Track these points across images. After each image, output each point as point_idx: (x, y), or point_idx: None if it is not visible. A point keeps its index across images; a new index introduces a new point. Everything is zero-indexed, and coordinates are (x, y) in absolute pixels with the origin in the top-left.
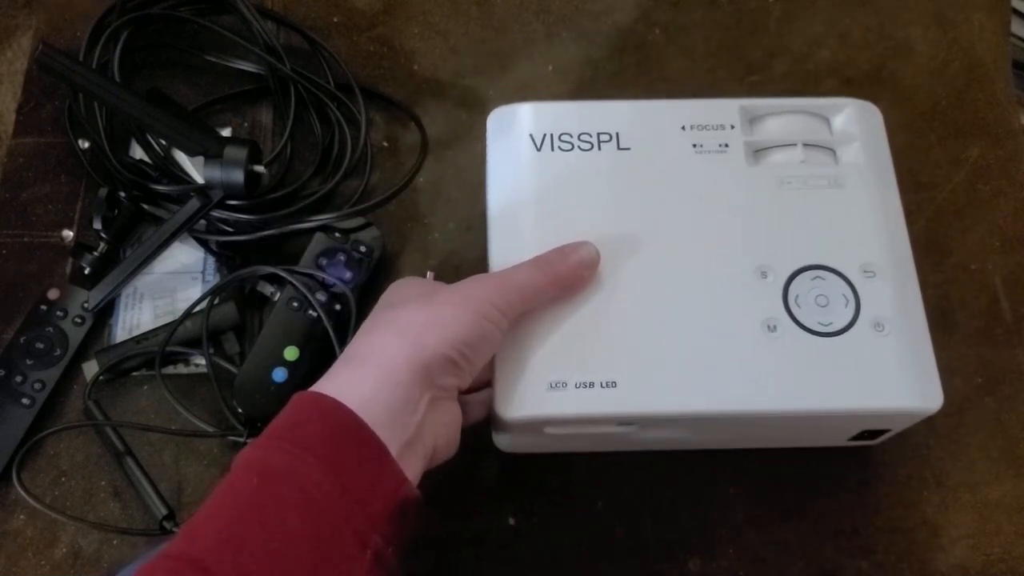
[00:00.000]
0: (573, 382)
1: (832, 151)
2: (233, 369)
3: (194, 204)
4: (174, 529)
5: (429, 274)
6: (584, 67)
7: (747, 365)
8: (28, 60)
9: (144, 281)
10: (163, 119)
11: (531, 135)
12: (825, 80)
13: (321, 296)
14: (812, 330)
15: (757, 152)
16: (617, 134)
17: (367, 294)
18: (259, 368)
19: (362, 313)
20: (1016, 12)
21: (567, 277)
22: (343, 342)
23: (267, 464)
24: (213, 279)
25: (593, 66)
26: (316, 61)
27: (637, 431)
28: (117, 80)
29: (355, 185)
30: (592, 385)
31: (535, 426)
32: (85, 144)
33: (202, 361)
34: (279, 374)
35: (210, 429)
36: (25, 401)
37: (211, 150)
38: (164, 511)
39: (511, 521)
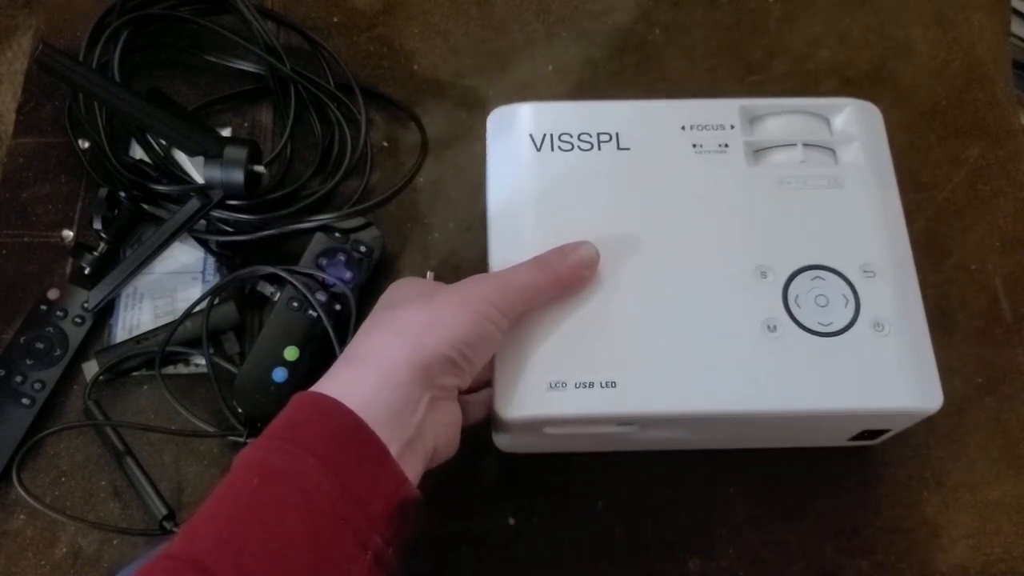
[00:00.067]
0: (573, 382)
1: (832, 151)
2: (233, 369)
3: (194, 204)
4: (174, 529)
5: (429, 274)
6: (584, 67)
7: (747, 365)
8: (28, 60)
9: (144, 281)
10: (163, 119)
11: (531, 135)
12: (825, 80)
13: (321, 296)
14: (812, 330)
15: (757, 152)
16: (617, 134)
17: (367, 294)
18: (259, 368)
19: (362, 313)
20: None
21: (567, 277)
22: (343, 342)
23: (267, 464)
24: (213, 279)
25: (593, 66)
26: (316, 61)
27: (637, 431)
28: (117, 80)
29: (355, 185)
30: (592, 385)
31: (535, 426)
32: (85, 144)
33: (202, 361)
34: (279, 374)
35: (210, 429)
36: (25, 401)
37: (211, 150)
38: (164, 511)
39: (511, 521)
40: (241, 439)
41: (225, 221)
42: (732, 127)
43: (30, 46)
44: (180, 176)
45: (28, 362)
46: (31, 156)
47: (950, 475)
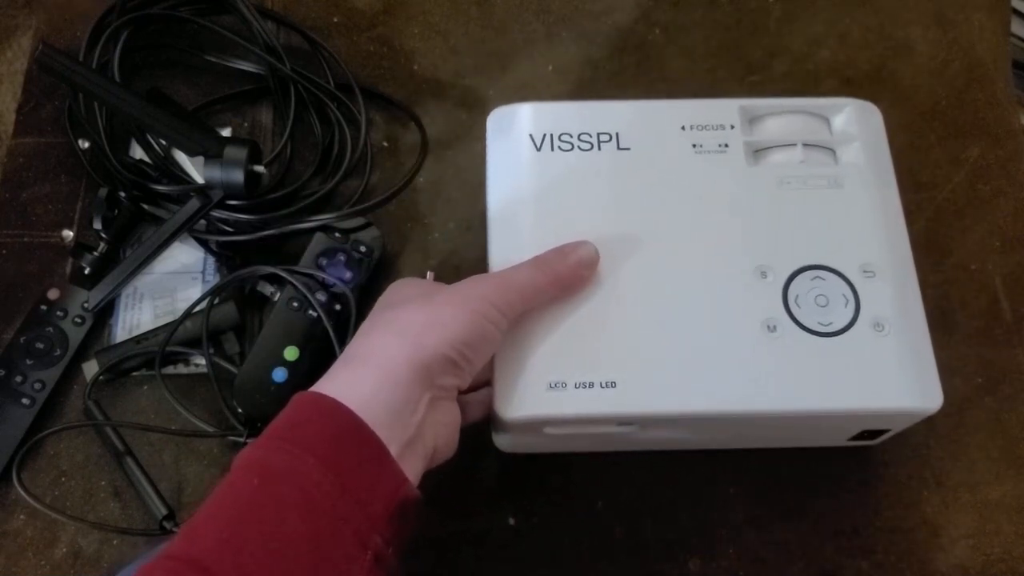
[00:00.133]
0: (572, 382)
1: (832, 151)
2: (233, 369)
3: (194, 204)
4: (174, 529)
5: (429, 274)
6: (584, 67)
7: (747, 365)
8: (28, 60)
9: (144, 281)
10: (163, 119)
11: (531, 135)
12: (825, 80)
13: (321, 296)
14: (812, 330)
15: (757, 152)
16: (617, 134)
17: (367, 294)
18: (259, 368)
19: (362, 313)
20: (1016, 12)
21: (567, 277)
22: (343, 342)
23: (267, 464)
24: (213, 279)
25: (593, 66)
26: (316, 61)
27: (637, 431)
28: (117, 80)
29: (355, 185)
30: (591, 385)
31: (535, 426)
32: (85, 144)
33: (202, 361)
34: (279, 374)
35: (210, 429)
36: (25, 401)
37: (211, 150)
38: (164, 511)
39: (511, 521)
40: (241, 439)
41: (225, 221)
42: (732, 127)
43: (30, 46)
44: (180, 176)
45: (28, 362)
46: (31, 156)
47: (950, 475)
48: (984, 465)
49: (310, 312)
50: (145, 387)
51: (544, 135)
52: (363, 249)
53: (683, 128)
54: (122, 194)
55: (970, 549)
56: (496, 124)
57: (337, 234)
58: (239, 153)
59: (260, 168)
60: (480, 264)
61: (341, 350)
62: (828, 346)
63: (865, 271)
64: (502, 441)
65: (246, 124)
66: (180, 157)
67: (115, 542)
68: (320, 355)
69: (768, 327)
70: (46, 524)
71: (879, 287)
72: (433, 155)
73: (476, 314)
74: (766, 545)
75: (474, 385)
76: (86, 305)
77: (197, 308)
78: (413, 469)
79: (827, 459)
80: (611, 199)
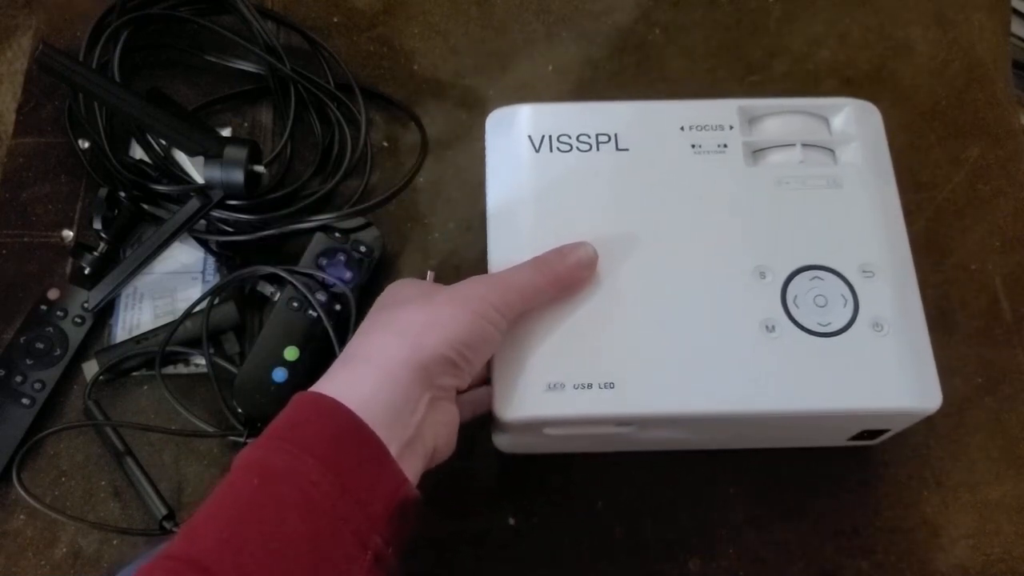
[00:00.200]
0: (571, 383)
1: (831, 151)
2: (233, 369)
3: (194, 204)
4: (174, 529)
5: (430, 274)
6: (584, 67)
7: (745, 365)
8: (28, 60)
9: (144, 281)
10: (163, 119)
11: (530, 136)
12: (825, 80)
13: (321, 296)
14: (810, 330)
15: (756, 152)
16: (616, 135)
17: (367, 294)
18: (259, 368)
19: (362, 313)
20: (1016, 12)
21: (565, 278)
22: (343, 342)
23: (267, 464)
24: (213, 279)
25: (593, 66)
26: (316, 61)
27: (636, 431)
28: (117, 80)
29: (355, 185)
30: (590, 386)
31: (534, 427)
32: (85, 144)
33: (202, 361)
34: (279, 374)
35: (210, 429)
36: (25, 401)
37: (211, 150)
38: (164, 511)
39: (511, 521)
40: (241, 439)
41: (225, 221)
42: (731, 127)
43: (30, 46)
44: (180, 176)
45: (28, 362)
46: (31, 156)
47: (950, 475)
48: (984, 465)
49: (310, 312)
50: (145, 387)
51: (543, 136)
52: (363, 249)
53: (682, 129)
54: (122, 194)
55: (970, 549)
56: (495, 125)
57: (337, 234)
58: (239, 153)
59: (260, 168)
60: (480, 264)
61: (341, 350)
62: (827, 346)
63: (864, 271)
64: (502, 441)
65: (246, 124)
66: (180, 157)
67: (115, 542)
68: (320, 355)
69: (767, 327)
70: (46, 524)
71: (878, 287)
72: (433, 155)
73: (475, 315)
74: (766, 545)
75: (470, 384)
76: (86, 305)
77: (197, 308)
78: (412, 469)
79: (827, 459)
80: (610, 200)
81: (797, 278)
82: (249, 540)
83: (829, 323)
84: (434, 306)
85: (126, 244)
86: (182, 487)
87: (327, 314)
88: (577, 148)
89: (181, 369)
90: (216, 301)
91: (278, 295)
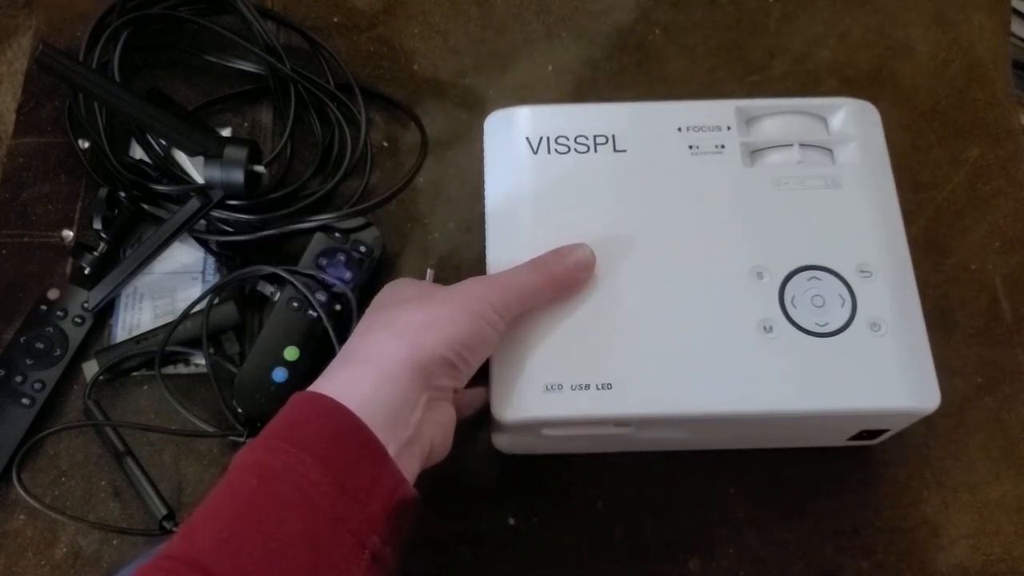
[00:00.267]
0: (569, 384)
1: (829, 151)
2: (233, 369)
3: (194, 204)
4: (174, 529)
5: (429, 272)
6: (584, 67)
7: (743, 366)
8: (28, 60)
9: (144, 281)
10: (163, 119)
11: (528, 138)
12: (825, 80)
13: (321, 296)
14: (808, 330)
15: (754, 153)
16: (613, 136)
17: (367, 294)
18: (259, 368)
19: (362, 313)
20: (1016, 12)
21: (564, 279)
22: (343, 342)
23: (265, 464)
24: (213, 279)
25: (593, 66)
26: (316, 61)
27: (634, 432)
28: (117, 80)
29: (355, 185)
30: (588, 387)
31: (532, 428)
32: (85, 144)
33: (202, 361)
34: (279, 374)
35: (210, 429)
36: (25, 401)
37: (211, 150)
38: (164, 511)
39: (511, 521)
40: (241, 439)
41: (225, 221)
42: (728, 128)
43: (30, 46)
44: (180, 176)
45: (28, 362)
46: (31, 156)
47: (950, 475)
48: (984, 465)
49: (310, 312)
50: (145, 387)
51: (541, 138)
52: (363, 249)
53: (679, 129)
54: (122, 194)
55: (970, 549)
56: (493, 127)
57: (337, 234)
58: (239, 153)
59: (260, 168)
60: (480, 264)
61: None
62: (825, 346)
63: (862, 271)
64: (501, 441)
65: (246, 124)
66: (180, 157)
67: (115, 542)
68: (320, 355)
69: (764, 328)
70: (46, 524)
71: (876, 287)
72: (433, 155)
73: (474, 315)
74: (766, 545)
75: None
76: (86, 305)
77: (197, 308)
78: (410, 469)
79: (827, 459)
80: (608, 201)
81: (795, 278)
82: (248, 540)
83: (827, 323)
84: (432, 306)
85: (126, 244)
86: (182, 487)
87: (327, 314)
88: (575, 149)
89: (181, 369)
90: (216, 301)
91: (278, 295)
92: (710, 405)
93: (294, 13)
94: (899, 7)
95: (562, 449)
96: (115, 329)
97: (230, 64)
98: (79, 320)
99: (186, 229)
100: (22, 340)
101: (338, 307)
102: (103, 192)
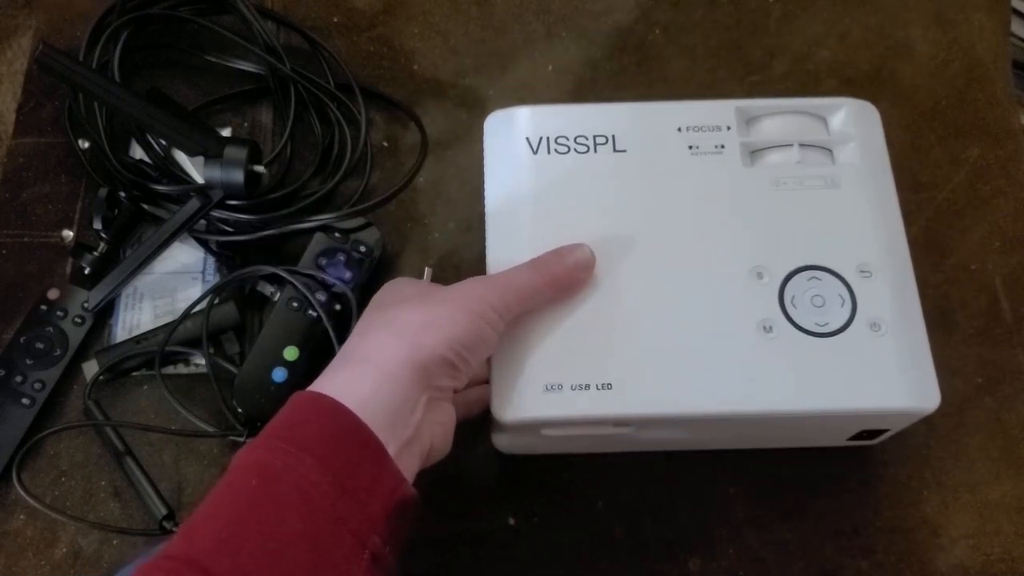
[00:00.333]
0: (569, 384)
1: (829, 151)
2: (233, 369)
3: (194, 204)
4: (174, 529)
5: (427, 271)
6: (584, 67)
7: (743, 366)
8: (28, 60)
9: (144, 281)
10: (163, 119)
11: (527, 138)
12: (825, 80)
13: (321, 296)
14: (808, 330)
15: (753, 153)
16: (613, 136)
17: (367, 294)
18: (259, 368)
19: (362, 313)
20: (1016, 12)
21: (563, 279)
22: (343, 342)
23: (265, 464)
24: (213, 279)
25: (593, 66)
26: (316, 61)
27: (634, 432)
28: (117, 80)
29: (355, 185)
30: (588, 387)
31: (532, 428)
32: (85, 144)
33: (202, 361)
34: (279, 374)
35: (210, 429)
36: (25, 401)
37: (211, 150)
38: (164, 511)
39: (511, 521)
40: (241, 439)
41: (225, 221)
42: (728, 128)
43: (30, 46)
44: (180, 176)
45: (28, 362)
46: (31, 156)
47: (950, 475)
48: (984, 465)
49: (310, 312)
50: (145, 387)
51: (541, 138)
52: (363, 249)
53: (679, 130)
54: (122, 194)
55: (970, 549)
56: (493, 127)
57: (337, 234)
58: (239, 153)
59: (260, 168)
60: (480, 264)
61: None
62: (824, 346)
63: (862, 271)
64: (501, 441)
65: (246, 124)
66: (180, 157)
67: (115, 542)
68: (320, 355)
69: (764, 328)
70: (46, 524)
71: (876, 287)
72: (433, 155)
73: (474, 315)
74: (766, 545)
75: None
76: (86, 305)
77: (197, 308)
78: (410, 469)
79: (827, 459)
80: (608, 201)
81: (795, 278)
82: (248, 540)
83: (827, 323)
84: (432, 306)
85: (126, 244)
86: (182, 487)
87: (327, 314)
88: (575, 149)
89: (181, 369)
90: (216, 301)
91: (278, 295)
92: (710, 405)
93: (294, 13)
94: (899, 7)
95: (562, 449)
96: (115, 329)
97: (230, 64)
98: (79, 320)
99: (186, 229)
100: (22, 340)
101: (338, 307)
102: (103, 192)
